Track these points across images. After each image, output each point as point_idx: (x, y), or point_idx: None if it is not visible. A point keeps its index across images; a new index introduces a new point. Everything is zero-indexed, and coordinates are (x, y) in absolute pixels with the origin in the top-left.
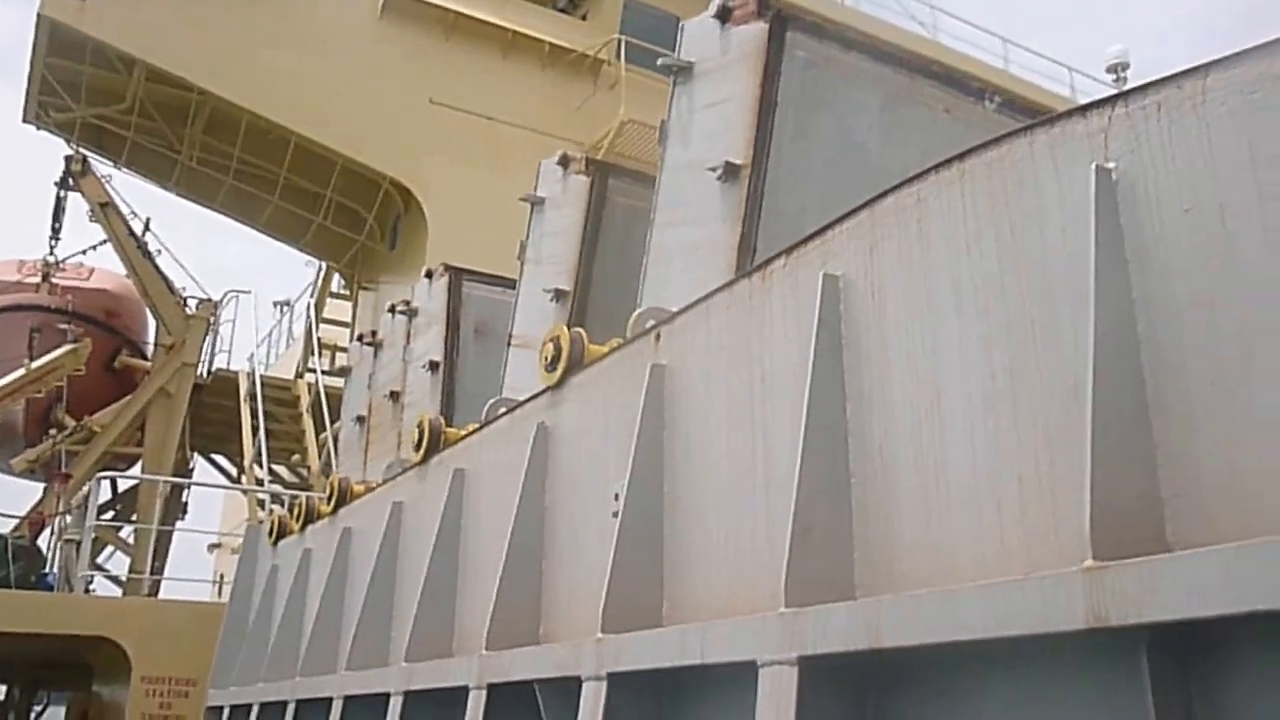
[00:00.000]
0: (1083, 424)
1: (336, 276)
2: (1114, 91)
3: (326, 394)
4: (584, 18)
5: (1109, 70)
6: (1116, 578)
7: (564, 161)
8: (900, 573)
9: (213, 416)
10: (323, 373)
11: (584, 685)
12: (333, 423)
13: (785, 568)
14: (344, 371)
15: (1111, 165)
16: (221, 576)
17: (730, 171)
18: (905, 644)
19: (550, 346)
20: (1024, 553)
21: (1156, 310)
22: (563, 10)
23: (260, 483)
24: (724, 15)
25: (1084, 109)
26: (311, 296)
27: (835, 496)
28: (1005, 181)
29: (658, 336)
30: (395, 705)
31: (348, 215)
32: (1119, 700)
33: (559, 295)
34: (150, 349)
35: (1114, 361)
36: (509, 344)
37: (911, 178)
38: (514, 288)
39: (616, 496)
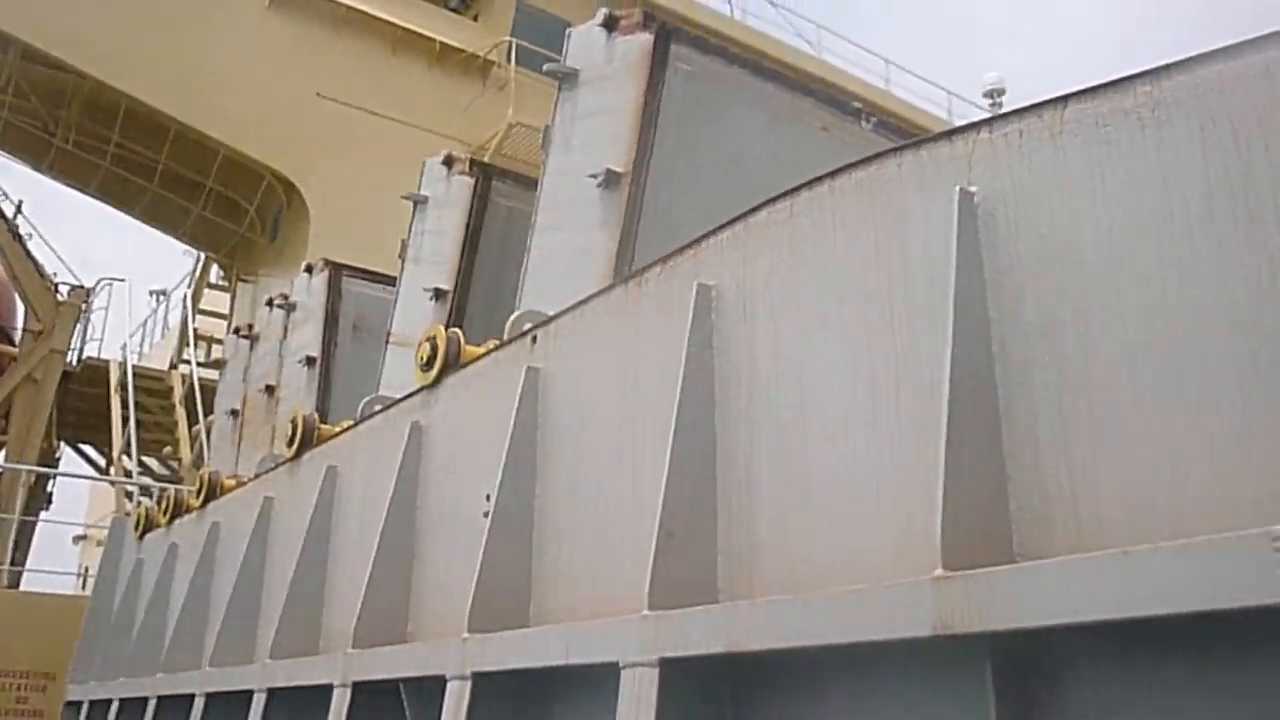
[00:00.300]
0: (937, 438)
1: (215, 267)
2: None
3: (201, 386)
4: (475, 18)
5: (985, 95)
6: (962, 587)
7: (448, 161)
8: (761, 578)
9: (81, 406)
10: (198, 365)
11: (448, 684)
12: (206, 416)
13: (649, 571)
14: (219, 364)
15: (974, 189)
16: (86, 570)
17: (611, 179)
18: (761, 648)
19: (426, 346)
20: (879, 562)
21: (1010, 330)
22: (454, 10)
23: (129, 474)
24: (610, 25)
25: (950, 133)
26: (189, 287)
27: (700, 502)
28: (873, 201)
29: (534, 339)
30: (258, 703)
31: (228, 206)
32: (965, 706)
33: (439, 295)
34: (18, 335)
35: (969, 379)
36: (387, 342)
37: (785, 193)
38: (394, 285)
39: (488, 497)
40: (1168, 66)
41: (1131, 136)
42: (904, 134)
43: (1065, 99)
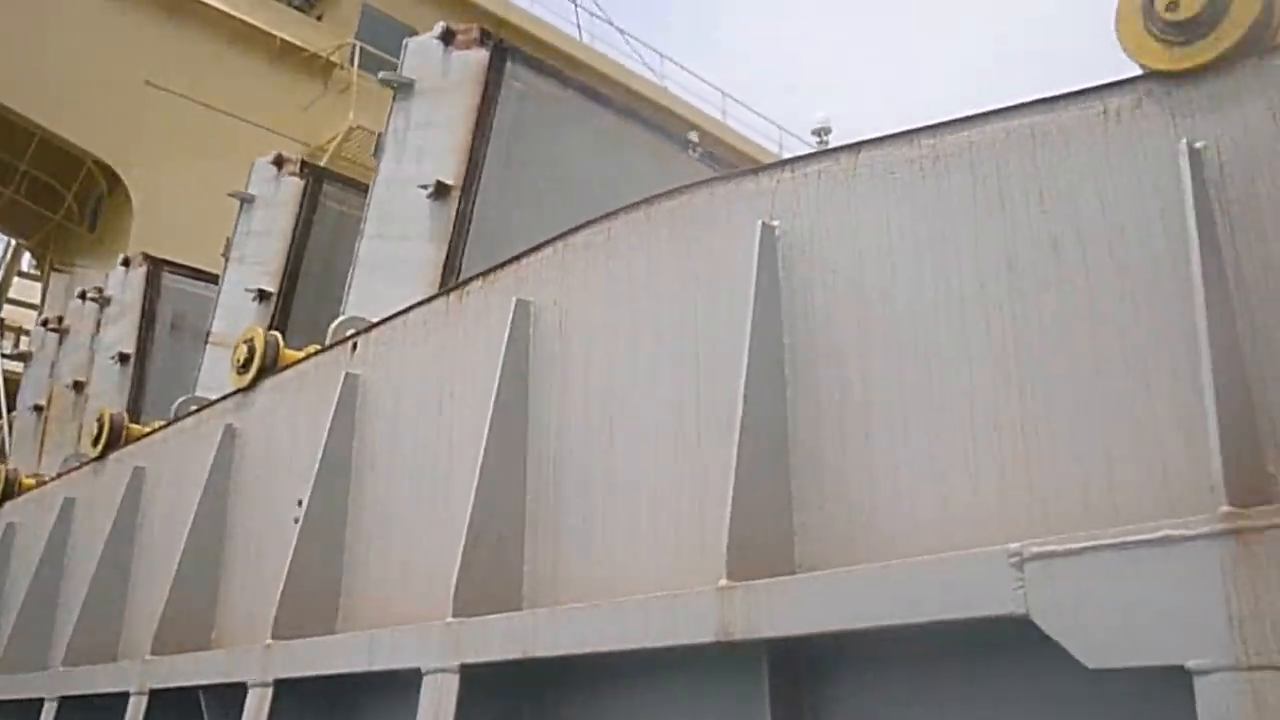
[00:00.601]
0: (729, 456)
1: (27, 255)
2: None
3: (5, 379)
4: (320, 18)
5: (814, 133)
6: (743, 597)
7: (278, 162)
8: (566, 587)
9: None
10: (2, 356)
11: (249, 691)
12: (9, 411)
13: (454, 579)
14: (25, 357)
15: (776, 223)
16: None
17: (441, 191)
18: (555, 654)
19: (244, 348)
20: (676, 572)
21: (802, 357)
22: (298, 8)
23: None
24: (447, 38)
25: (756, 170)
26: None
27: (508, 513)
28: (685, 228)
29: (354, 346)
30: (49, 711)
31: (44, 191)
32: (745, 709)
33: (262, 296)
34: None
35: (761, 402)
36: (206, 342)
37: (603, 216)
38: (217, 284)
39: (300, 503)
40: (948, 123)
41: (914, 183)
42: (730, 165)
43: (859, 146)
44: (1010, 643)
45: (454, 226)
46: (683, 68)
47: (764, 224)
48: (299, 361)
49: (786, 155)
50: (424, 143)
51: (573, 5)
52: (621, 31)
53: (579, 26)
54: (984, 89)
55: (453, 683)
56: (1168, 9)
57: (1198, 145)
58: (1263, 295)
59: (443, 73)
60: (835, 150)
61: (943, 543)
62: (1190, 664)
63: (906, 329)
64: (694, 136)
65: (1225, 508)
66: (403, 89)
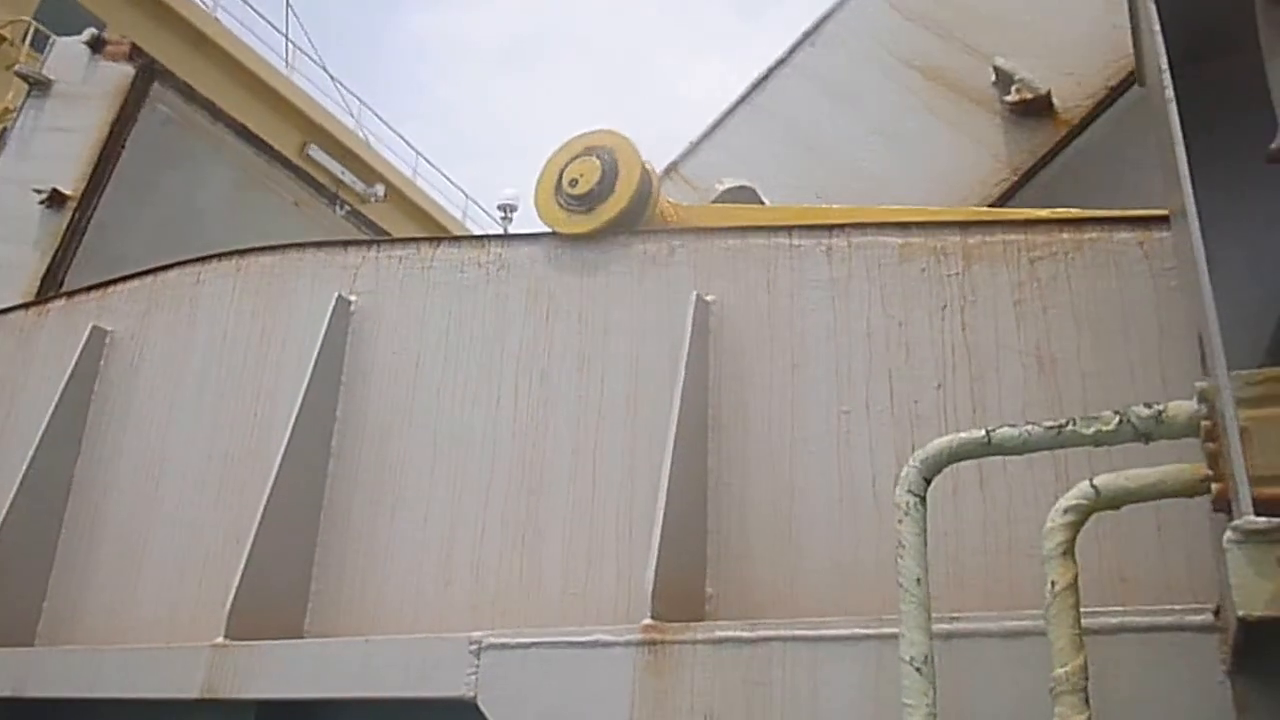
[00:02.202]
0: (256, 514)
1: None
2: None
3: None
4: None
5: (499, 208)
6: (235, 656)
7: (94, 43)
8: (89, 627)
9: None
10: None
11: None
12: None
13: None
14: None
15: (353, 298)
16: None
17: (57, 199)
18: (44, 695)
19: None
20: (188, 624)
21: (350, 432)
22: None
23: None
24: (96, 45)
25: (347, 243)
26: None
27: (37, 542)
28: (271, 287)
29: None
30: None
31: None
32: None
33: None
34: None
35: (302, 472)
36: None
37: (197, 259)
38: None
39: None
40: (514, 236)
41: (478, 285)
42: (379, 230)
43: (438, 241)
44: None
45: (63, 238)
46: (382, 120)
47: (340, 296)
48: None
49: (469, 223)
50: (50, 146)
51: (284, 38)
52: (328, 71)
53: (287, 60)
54: None
55: None
56: (570, 185)
57: (708, 298)
58: (731, 434)
59: (84, 79)
60: (416, 240)
61: (439, 623)
62: None
63: (448, 418)
64: (380, 190)
65: (647, 620)
66: (39, 86)
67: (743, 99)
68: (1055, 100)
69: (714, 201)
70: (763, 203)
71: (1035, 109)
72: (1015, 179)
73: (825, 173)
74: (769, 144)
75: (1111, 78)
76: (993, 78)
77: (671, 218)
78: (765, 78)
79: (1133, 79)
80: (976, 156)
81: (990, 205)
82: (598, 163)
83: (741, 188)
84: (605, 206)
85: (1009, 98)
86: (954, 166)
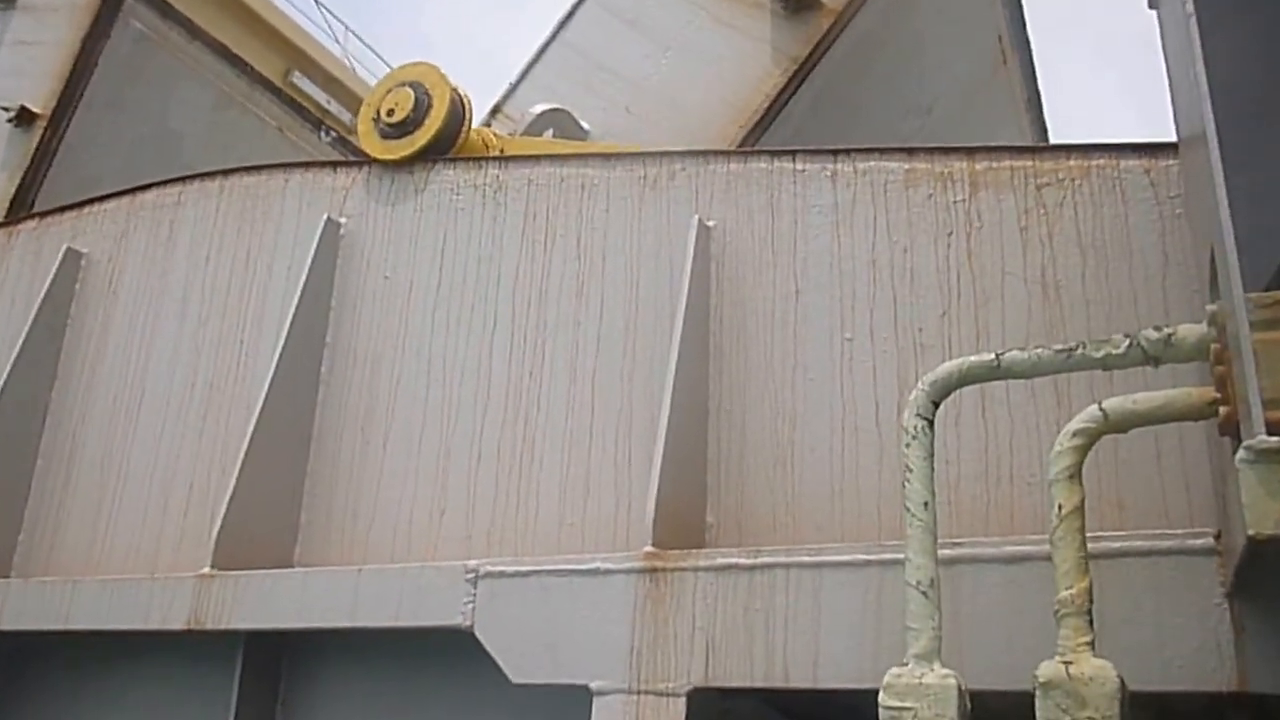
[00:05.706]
0: (242, 444)
1: None
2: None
3: None
4: None
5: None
6: (220, 586)
7: None
8: (65, 558)
9: None
10: None
11: None
12: None
13: None
14: None
15: (343, 220)
16: None
17: (25, 117)
18: (19, 628)
19: None
20: (171, 555)
21: (340, 355)
22: None
23: None
24: None
25: (336, 164)
26: None
27: (14, 479)
28: (255, 208)
29: None
30: None
31: None
32: (212, 695)
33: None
34: None
35: (285, 394)
36: None
37: (177, 178)
38: None
39: None
40: (514, 159)
41: (474, 207)
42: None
43: (435, 161)
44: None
45: (33, 158)
46: (369, 46)
47: (329, 219)
48: None
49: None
50: (16, 62)
51: None
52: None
53: None
54: None
55: None
56: (388, 115)
57: (709, 223)
58: (732, 361)
59: None
60: (410, 160)
61: (431, 553)
62: (593, 685)
63: (440, 344)
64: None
65: (648, 548)
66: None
67: (553, 37)
68: None
69: (529, 126)
70: (579, 124)
71: (805, 3)
72: (795, 68)
73: (630, 93)
74: (580, 74)
75: None
76: None
77: (493, 146)
78: (570, 15)
79: None
80: (757, 53)
81: (775, 96)
82: (411, 93)
83: (555, 110)
84: (419, 133)
85: None
86: (738, 68)
